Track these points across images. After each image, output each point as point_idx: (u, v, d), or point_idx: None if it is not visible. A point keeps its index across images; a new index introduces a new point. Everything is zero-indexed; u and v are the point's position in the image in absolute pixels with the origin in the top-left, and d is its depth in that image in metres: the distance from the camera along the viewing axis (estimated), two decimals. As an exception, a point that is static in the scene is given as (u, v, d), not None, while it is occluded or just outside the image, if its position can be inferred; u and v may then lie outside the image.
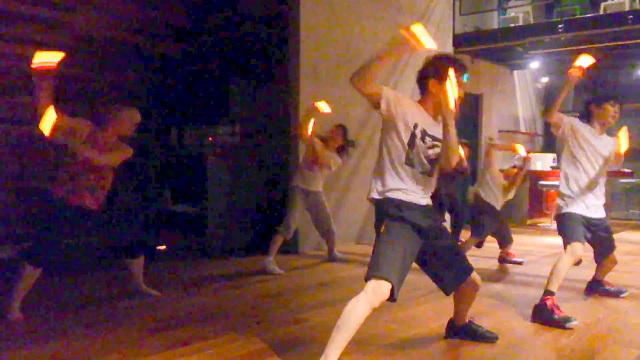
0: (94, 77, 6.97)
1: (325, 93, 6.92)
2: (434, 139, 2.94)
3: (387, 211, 2.89)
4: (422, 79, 2.98)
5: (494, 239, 6.28)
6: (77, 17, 6.86)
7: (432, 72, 2.93)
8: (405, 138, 2.89)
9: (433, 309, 4.11)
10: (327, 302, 4.41)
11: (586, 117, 4.26)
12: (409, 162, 2.91)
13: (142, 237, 4.52)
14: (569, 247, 3.99)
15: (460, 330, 3.43)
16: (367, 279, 2.77)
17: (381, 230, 2.88)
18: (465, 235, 7.83)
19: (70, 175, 3.93)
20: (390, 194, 2.90)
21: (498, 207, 6.05)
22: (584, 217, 4.11)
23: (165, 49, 7.79)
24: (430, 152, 2.95)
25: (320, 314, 4.05)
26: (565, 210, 4.15)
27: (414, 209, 2.91)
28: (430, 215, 3.01)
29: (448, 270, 3.08)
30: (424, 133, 2.91)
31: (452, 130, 2.82)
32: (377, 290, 2.71)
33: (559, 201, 4.22)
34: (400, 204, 2.88)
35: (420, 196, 2.96)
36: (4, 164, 6.26)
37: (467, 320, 3.42)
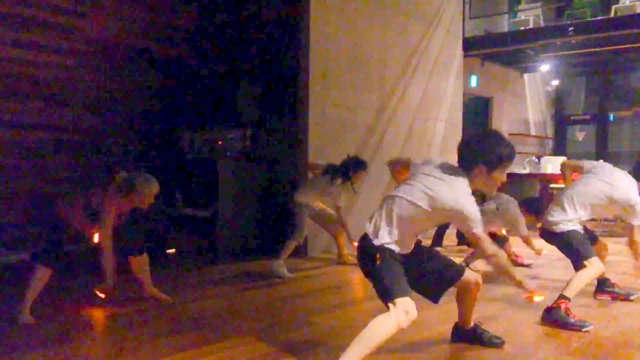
0: (105, 82, 7.03)
1: (335, 97, 6.96)
2: None
3: (377, 247, 2.87)
4: (474, 165, 2.91)
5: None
6: (89, 23, 6.93)
7: (488, 161, 2.90)
8: None
9: (439, 313, 4.09)
10: (337, 305, 4.42)
11: None
12: None
13: (141, 238, 4.52)
14: (590, 261, 3.95)
15: (466, 335, 3.42)
16: (388, 301, 2.73)
17: (377, 263, 2.84)
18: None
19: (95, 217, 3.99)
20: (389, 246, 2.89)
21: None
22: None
23: (175, 53, 7.84)
24: None
25: (331, 316, 4.06)
26: (571, 227, 4.12)
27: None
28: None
29: (430, 283, 3.09)
30: None
31: None
32: (408, 308, 2.69)
33: (562, 222, 4.16)
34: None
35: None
36: (13, 169, 6.32)
37: (472, 325, 3.41)
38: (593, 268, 3.95)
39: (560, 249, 4.18)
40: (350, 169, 5.68)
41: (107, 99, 7.05)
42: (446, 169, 2.93)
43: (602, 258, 4.50)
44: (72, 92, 6.72)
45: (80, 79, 6.78)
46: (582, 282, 3.91)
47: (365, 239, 2.94)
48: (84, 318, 4.01)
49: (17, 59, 6.32)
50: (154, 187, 4.04)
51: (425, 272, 3.07)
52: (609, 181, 4.19)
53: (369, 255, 2.90)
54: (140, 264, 4.36)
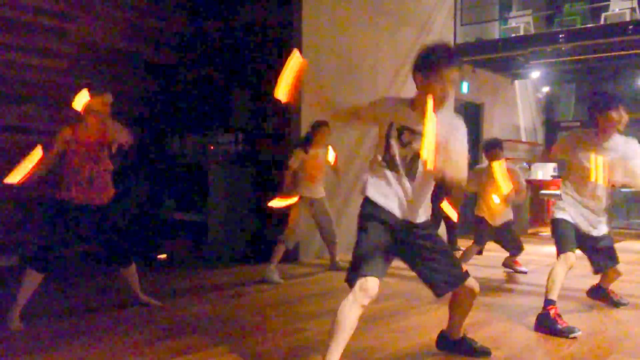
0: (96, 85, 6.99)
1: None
2: (412, 131, 2.76)
3: (362, 211, 2.90)
4: (413, 72, 2.84)
5: (495, 248, 6.24)
6: (80, 26, 6.90)
7: (418, 65, 2.80)
8: (382, 138, 2.88)
9: (433, 319, 4.10)
10: (328, 311, 4.39)
11: (593, 125, 4.22)
12: (386, 165, 2.87)
13: (132, 246, 4.51)
14: (562, 255, 3.99)
15: (454, 345, 3.32)
16: (351, 281, 2.75)
17: (358, 227, 2.88)
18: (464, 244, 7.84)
19: (72, 170, 4.01)
20: (368, 193, 2.90)
21: (493, 223, 5.94)
22: (576, 227, 4.09)
23: (166, 58, 7.82)
24: (407, 149, 2.80)
25: (321, 323, 4.04)
26: (559, 215, 4.13)
27: (386, 212, 2.84)
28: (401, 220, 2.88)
29: (438, 273, 2.93)
30: (403, 128, 2.80)
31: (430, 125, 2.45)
32: (364, 286, 2.69)
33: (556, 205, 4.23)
34: (373, 204, 2.86)
35: (398, 204, 2.84)
36: (2, 172, 6.25)
37: (461, 335, 3.31)
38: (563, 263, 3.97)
39: None
40: (311, 132, 5.82)
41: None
42: None
43: (613, 278, 4.51)
44: (63, 96, 6.67)
45: (70, 82, 6.73)
46: (558, 280, 3.91)
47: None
48: (71, 323, 3.97)
49: (6, 62, 6.27)
50: (107, 95, 4.28)
51: (436, 264, 2.93)
52: None
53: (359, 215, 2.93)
54: (130, 273, 4.36)
